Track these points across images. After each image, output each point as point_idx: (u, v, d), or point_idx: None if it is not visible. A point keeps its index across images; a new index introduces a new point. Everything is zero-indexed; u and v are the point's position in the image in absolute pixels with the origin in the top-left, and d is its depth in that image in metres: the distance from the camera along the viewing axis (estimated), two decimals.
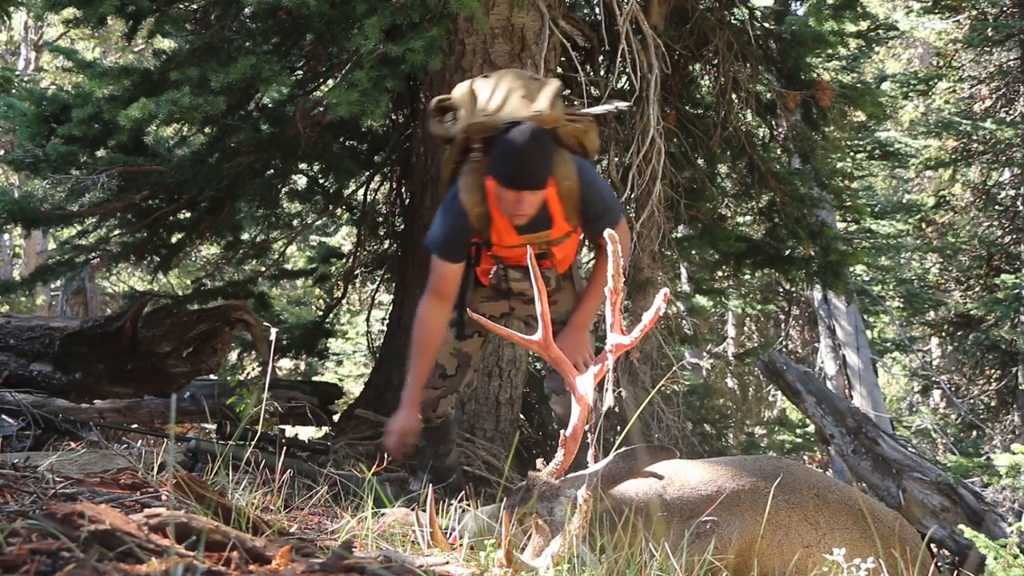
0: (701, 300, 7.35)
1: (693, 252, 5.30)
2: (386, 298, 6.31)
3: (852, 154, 7.85)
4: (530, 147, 2.72)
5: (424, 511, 1.88)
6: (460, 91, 2.82)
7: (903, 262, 9.92)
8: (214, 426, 3.43)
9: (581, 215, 2.78)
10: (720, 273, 6.22)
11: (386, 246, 5.20)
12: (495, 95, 2.78)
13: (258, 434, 2.59)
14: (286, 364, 8.07)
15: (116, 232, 4.16)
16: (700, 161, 4.88)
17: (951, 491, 3.12)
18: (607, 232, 1.84)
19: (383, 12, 3.03)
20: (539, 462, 1.99)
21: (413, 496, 2.49)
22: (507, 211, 2.73)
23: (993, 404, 7.71)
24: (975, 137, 7.31)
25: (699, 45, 4.61)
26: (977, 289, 7.80)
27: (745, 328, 11.05)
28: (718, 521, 2.02)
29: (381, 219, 5.11)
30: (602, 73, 4.39)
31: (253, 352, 5.31)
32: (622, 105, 3.25)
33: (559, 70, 4.05)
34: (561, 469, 1.92)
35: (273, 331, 2.45)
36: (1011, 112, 7.48)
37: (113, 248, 4.20)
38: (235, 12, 3.71)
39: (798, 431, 8.72)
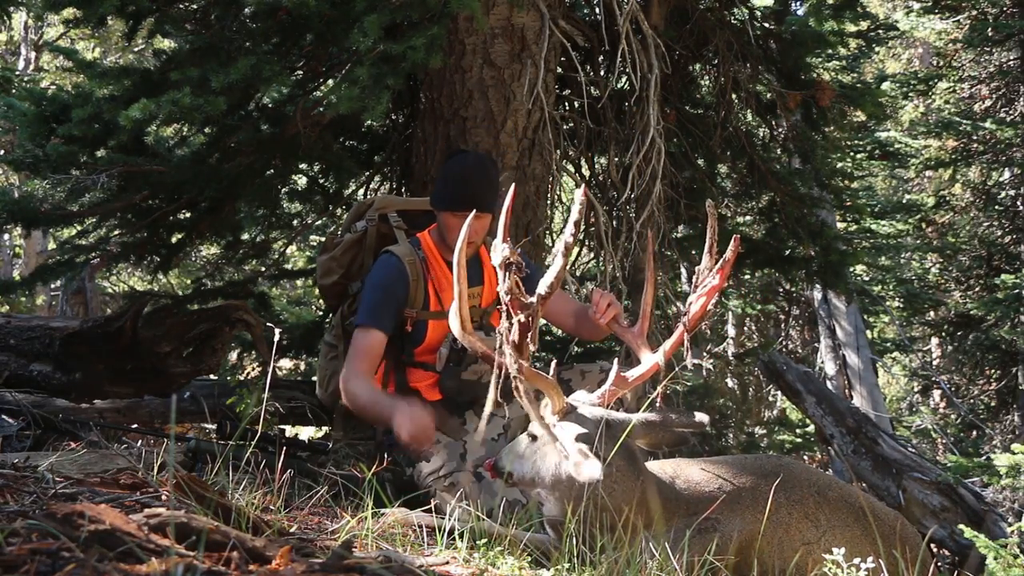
0: None
1: (693, 252, 5.29)
2: None
3: (852, 154, 7.84)
4: (475, 168, 2.78)
5: None
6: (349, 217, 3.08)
7: (903, 262, 9.92)
8: (214, 426, 3.42)
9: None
10: None
11: None
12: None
13: (258, 434, 2.58)
14: (286, 364, 8.07)
15: (116, 232, 4.15)
16: (700, 161, 4.87)
17: (951, 491, 3.12)
18: (708, 202, 1.96)
19: (382, 10, 3.03)
20: (583, 392, 2.09)
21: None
22: (452, 242, 2.74)
23: (993, 404, 7.70)
24: (975, 137, 7.30)
25: (699, 45, 4.61)
26: (977, 289, 7.80)
27: (745, 328, 11.05)
28: (719, 519, 2.02)
29: None
30: (602, 73, 4.39)
31: (253, 352, 5.30)
32: None
33: (559, 70, 4.05)
34: (605, 400, 2.03)
35: (277, 331, 2.44)
36: (1011, 112, 7.47)
37: (113, 248, 4.19)
38: (235, 12, 3.70)
39: (798, 431, 8.72)
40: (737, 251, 2.02)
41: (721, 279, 2.02)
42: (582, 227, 4.82)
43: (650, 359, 2.12)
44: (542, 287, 1.82)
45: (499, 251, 1.79)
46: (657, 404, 2.11)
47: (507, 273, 1.77)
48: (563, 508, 1.99)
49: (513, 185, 1.99)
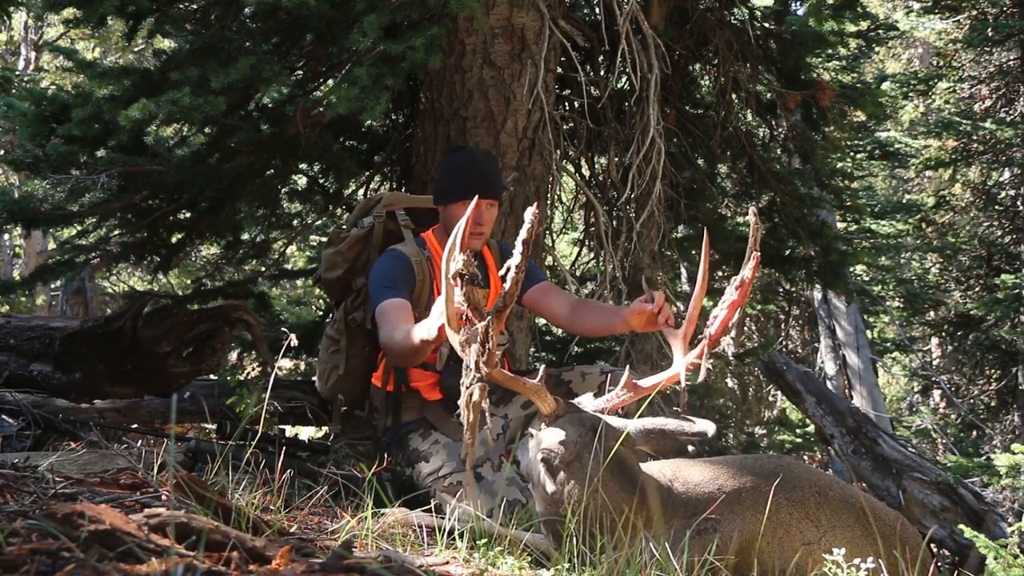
0: None
1: (693, 252, 5.29)
2: None
3: (852, 154, 7.84)
4: (483, 159, 2.80)
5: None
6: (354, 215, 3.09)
7: (903, 262, 9.91)
8: (214, 426, 3.42)
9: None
10: (720, 273, 6.22)
11: None
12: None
13: (258, 434, 2.58)
14: (286, 364, 8.07)
15: (116, 232, 4.16)
16: (700, 161, 4.88)
17: (951, 491, 3.12)
18: (751, 210, 1.98)
19: (382, 10, 3.03)
20: (589, 396, 2.10)
21: None
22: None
23: (993, 404, 7.71)
24: (975, 137, 7.30)
25: (699, 45, 4.61)
26: (977, 289, 7.79)
27: (745, 328, 11.04)
28: (719, 519, 2.02)
29: None
30: (602, 73, 4.39)
31: (253, 352, 5.30)
32: None
33: (559, 70, 4.05)
34: (612, 407, 2.03)
35: (292, 336, 2.41)
36: (1011, 112, 7.47)
37: (113, 248, 4.19)
38: (235, 12, 3.71)
39: (798, 431, 8.72)
40: (757, 270, 2.03)
41: (741, 295, 2.02)
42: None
43: (672, 368, 2.13)
44: (498, 303, 1.82)
45: (456, 262, 1.79)
46: (681, 409, 2.12)
47: (461, 284, 1.78)
48: (544, 509, 2.02)
49: (476, 198, 2.01)
